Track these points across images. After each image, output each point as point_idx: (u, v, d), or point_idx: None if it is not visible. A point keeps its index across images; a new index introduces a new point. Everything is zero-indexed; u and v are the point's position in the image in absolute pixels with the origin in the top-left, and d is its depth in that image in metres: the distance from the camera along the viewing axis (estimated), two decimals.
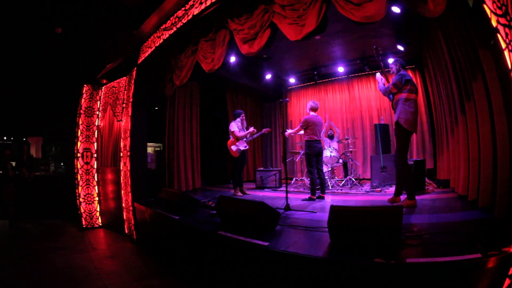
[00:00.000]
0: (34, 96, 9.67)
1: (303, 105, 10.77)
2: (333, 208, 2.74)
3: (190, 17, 4.72)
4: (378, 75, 4.78)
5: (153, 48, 5.69)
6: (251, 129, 6.80)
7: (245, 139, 6.75)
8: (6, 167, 7.55)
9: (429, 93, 7.76)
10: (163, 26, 5.41)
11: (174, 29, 5.07)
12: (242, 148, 6.66)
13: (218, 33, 4.71)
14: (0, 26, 6.79)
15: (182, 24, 4.89)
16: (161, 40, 5.42)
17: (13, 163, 8.00)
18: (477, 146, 3.67)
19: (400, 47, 6.93)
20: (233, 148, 6.66)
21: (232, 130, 6.69)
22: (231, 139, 6.72)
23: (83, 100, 6.98)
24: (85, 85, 7.01)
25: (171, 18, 5.19)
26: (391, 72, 4.62)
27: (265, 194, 6.81)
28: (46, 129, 11.62)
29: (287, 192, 4.87)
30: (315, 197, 5.53)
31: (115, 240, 5.74)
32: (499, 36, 2.54)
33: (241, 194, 6.69)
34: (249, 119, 10.72)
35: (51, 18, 6.81)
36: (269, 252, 2.66)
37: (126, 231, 5.88)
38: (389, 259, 2.14)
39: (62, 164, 11.22)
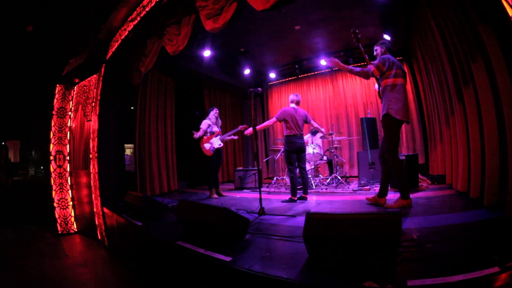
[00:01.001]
0: (10, 99, 9.27)
1: (285, 102, 10.32)
2: (310, 216, 2.18)
3: (153, 3, 4.43)
4: (332, 58, 4.12)
5: (119, 41, 5.34)
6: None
7: (219, 136, 6.23)
8: None
9: (418, 85, 7.39)
10: (130, 18, 5.08)
11: (138, 18, 4.78)
12: (216, 146, 6.15)
13: (183, 13, 4.39)
14: None
15: (145, 12, 4.60)
16: (127, 32, 5.11)
17: None
18: (479, 136, 3.22)
19: (387, 37, 6.50)
20: (206, 146, 6.15)
21: (200, 127, 6.20)
22: (204, 137, 6.20)
23: (55, 100, 6.56)
24: (57, 85, 6.58)
25: (137, 9, 4.89)
26: (374, 54, 4.07)
27: (242, 196, 6.34)
28: (24, 132, 11.04)
29: (260, 194, 4.22)
30: (296, 198, 5.03)
31: (88, 247, 5.43)
32: (504, 2, 2.20)
33: (217, 196, 6.22)
34: (229, 117, 10.25)
35: (21, 16, 6.51)
36: (231, 270, 2.12)
37: (99, 237, 5.53)
38: (384, 282, 1.61)
39: (42, 168, 10.77)
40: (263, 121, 10.90)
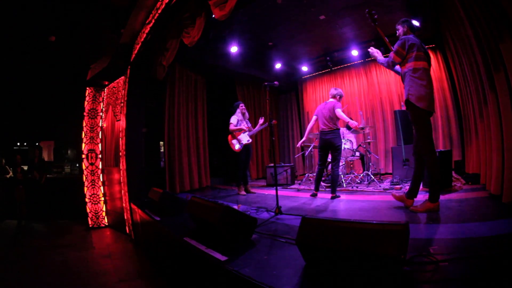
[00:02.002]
0: (44, 103, 10.09)
1: (320, 95, 10.07)
2: (305, 221, 2.02)
3: (163, 5, 4.56)
4: (371, 49, 3.91)
5: (140, 44, 5.51)
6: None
7: (247, 132, 6.17)
8: (15, 171, 7.83)
9: (452, 74, 6.79)
10: (147, 21, 5.25)
11: (153, 21, 4.94)
12: (244, 142, 6.10)
13: (196, 7, 4.52)
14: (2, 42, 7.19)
15: (158, 14, 4.73)
16: (145, 35, 5.26)
17: (25, 167, 8.25)
18: None
19: (416, 23, 6.00)
20: (234, 142, 6.11)
21: (230, 122, 6.18)
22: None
23: (86, 102, 6.93)
24: (87, 88, 6.94)
25: (152, 11, 5.03)
26: (397, 35, 3.66)
27: (271, 193, 6.20)
28: (59, 133, 11.88)
29: (277, 193, 4.05)
30: (316, 193, 5.05)
31: (116, 240, 5.68)
32: None
33: (245, 193, 6.21)
34: (262, 111, 10.17)
35: (43, 28, 6.94)
36: (223, 270, 2.06)
37: (127, 231, 5.76)
38: None
39: (78, 165, 11.31)
40: (298, 116, 10.80)
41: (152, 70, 5.88)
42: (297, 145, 6.25)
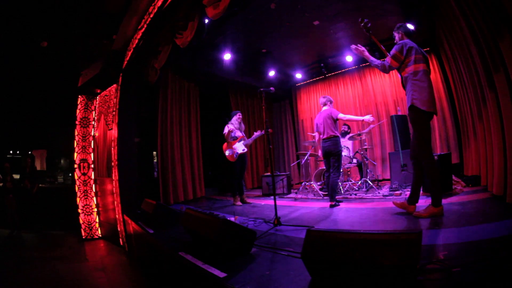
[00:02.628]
0: (36, 110, 9.93)
1: (314, 103, 10.01)
2: (311, 233, 1.89)
3: (156, 9, 4.51)
4: (358, 46, 3.78)
5: (132, 50, 5.42)
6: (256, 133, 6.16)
7: (243, 141, 6.03)
8: (5, 179, 7.62)
9: (448, 77, 6.77)
10: (139, 26, 5.18)
11: (146, 26, 4.86)
12: (240, 151, 5.95)
13: (188, 8, 4.44)
14: None
15: (150, 19, 4.68)
16: (137, 40, 5.19)
17: (17, 176, 8.16)
18: None
19: (411, 26, 5.96)
20: (228, 152, 5.98)
21: (223, 132, 6.03)
22: (226, 142, 6.05)
23: (78, 111, 6.82)
24: (79, 96, 6.81)
25: (145, 16, 4.97)
26: (395, 42, 3.63)
27: (267, 203, 6.05)
28: (51, 141, 11.79)
29: (275, 203, 3.81)
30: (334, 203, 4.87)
31: (110, 252, 5.56)
32: None
33: (241, 203, 6.03)
34: (257, 120, 10.05)
35: (35, 33, 6.87)
36: None
37: (121, 243, 5.59)
38: None
39: (70, 175, 11.21)
40: (293, 124, 10.70)
41: (144, 74, 5.77)
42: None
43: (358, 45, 3.80)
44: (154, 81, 5.75)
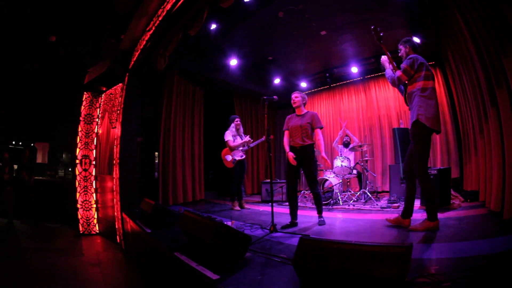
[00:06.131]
0: (41, 104, 9.94)
1: (318, 112, 9.96)
2: (303, 241, 1.91)
3: (164, 12, 4.47)
4: (383, 57, 3.74)
5: (139, 51, 5.40)
6: (247, 138, 6.13)
7: (241, 148, 6.08)
8: (3, 171, 7.51)
9: (452, 91, 6.78)
10: (147, 28, 5.16)
11: (154, 28, 4.83)
12: (237, 158, 6.03)
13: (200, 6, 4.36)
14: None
15: (159, 22, 4.63)
16: (144, 42, 5.17)
17: (16, 166, 8.09)
18: None
19: (417, 39, 6.02)
20: (227, 158, 6.04)
21: (226, 139, 6.09)
22: (226, 148, 6.11)
23: (82, 107, 6.84)
24: (85, 93, 6.85)
25: (153, 19, 4.95)
26: (399, 55, 3.64)
27: (265, 209, 6.09)
28: (55, 135, 11.75)
29: (272, 210, 3.87)
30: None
31: (106, 249, 5.54)
32: None
33: (239, 209, 6.09)
34: (260, 127, 10.08)
35: (44, 28, 6.91)
36: None
37: (118, 240, 5.59)
38: None
39: (70, 170, 11.23)
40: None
41: (152, 60, 5.68)
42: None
43: (385, 56, 3.72)
44: (162, 69, 5.64)
